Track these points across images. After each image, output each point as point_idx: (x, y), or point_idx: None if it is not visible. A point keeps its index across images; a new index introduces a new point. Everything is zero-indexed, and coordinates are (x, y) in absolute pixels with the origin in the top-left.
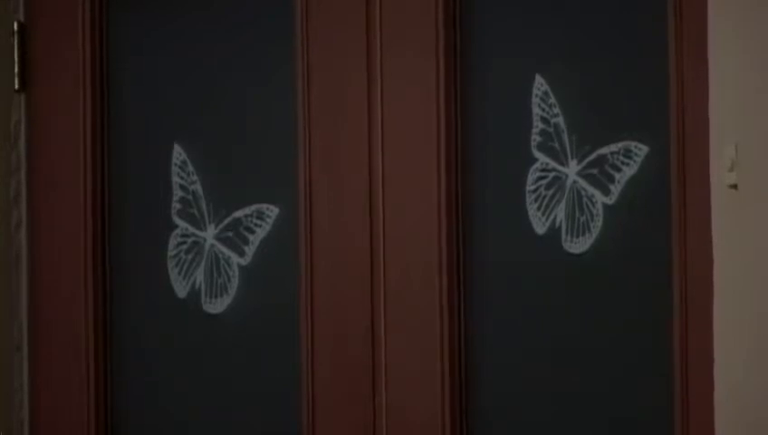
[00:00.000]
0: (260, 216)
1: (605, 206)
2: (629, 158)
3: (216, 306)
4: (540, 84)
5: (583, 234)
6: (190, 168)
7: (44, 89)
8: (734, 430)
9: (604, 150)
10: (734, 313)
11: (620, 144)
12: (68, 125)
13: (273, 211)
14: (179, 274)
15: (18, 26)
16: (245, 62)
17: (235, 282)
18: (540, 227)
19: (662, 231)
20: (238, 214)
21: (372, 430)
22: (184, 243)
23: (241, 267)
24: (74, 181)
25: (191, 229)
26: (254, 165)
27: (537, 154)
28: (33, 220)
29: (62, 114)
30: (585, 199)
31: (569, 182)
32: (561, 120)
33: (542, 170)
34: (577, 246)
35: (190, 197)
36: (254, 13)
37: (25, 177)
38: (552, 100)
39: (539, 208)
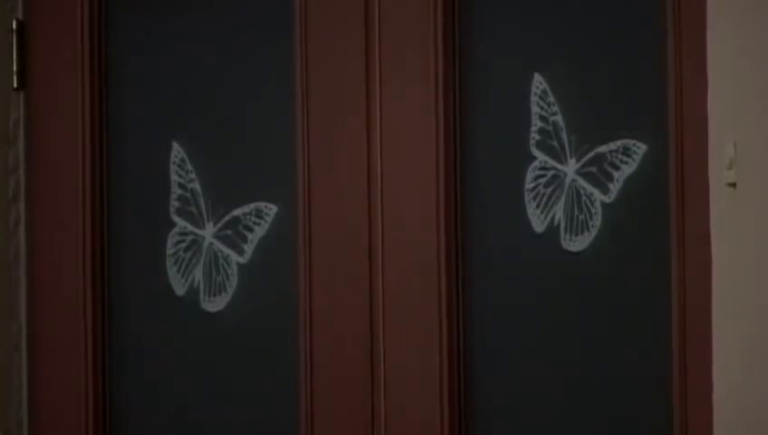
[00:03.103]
0: (259, 214)
1: (604, 204)
2: (628, 156)
3: (214, 305)
4: (539, 83)
5: (582, 232)
6: (189, 166)
7: (43, 87)
8: (732, 431)
9: (603, 149)
10: (733, 312)
11: (619, 142)
12: (67, 123)
13: (271, 210)
14: (178, 272)
15: (17, 24)
16: (244, 62)
17: (234, 280)
18: (539, 226)
19: (661, 229)
20: (237, 212)
21: (371, 430)
22: (183, 241)
23: (240, 266)
24: (73, 180)
25: (190, 227)
26: (252, 163)
27: (536, 153)
28: (31, 219)
29: (60, 112)
30: (584, 198)
31: (567, 181)
32: (559, 118)
33: (541, 169)
34: (576, 244)
35: (189, 195)
36: (253, 13)
37: (24, 175)
38: (551, 98)
39: (538, 207)
